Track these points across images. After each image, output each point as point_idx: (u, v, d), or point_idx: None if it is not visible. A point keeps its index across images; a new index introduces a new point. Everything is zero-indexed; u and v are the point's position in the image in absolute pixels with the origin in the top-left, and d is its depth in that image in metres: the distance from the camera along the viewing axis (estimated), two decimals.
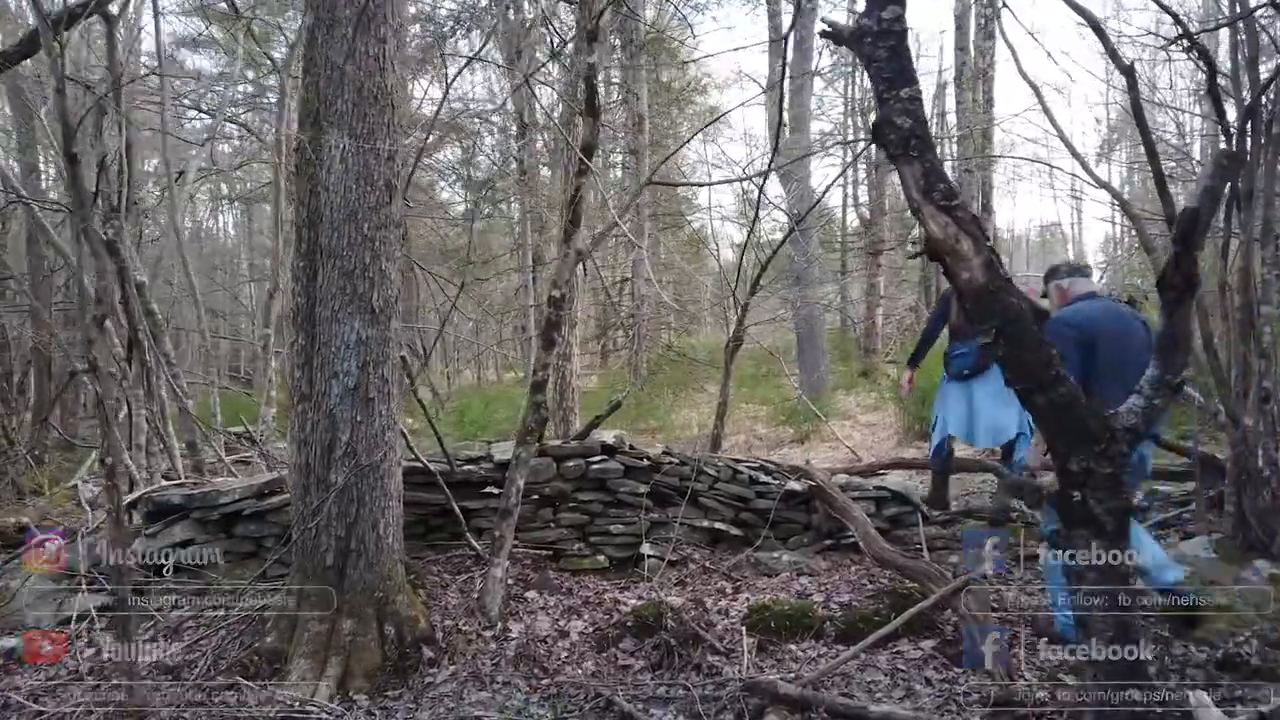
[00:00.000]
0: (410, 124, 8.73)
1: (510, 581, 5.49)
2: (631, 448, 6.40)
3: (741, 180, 11.86)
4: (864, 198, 27.70)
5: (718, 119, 19.29)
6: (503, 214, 22.13)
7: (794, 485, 6.02)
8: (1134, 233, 11.21)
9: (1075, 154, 8.79)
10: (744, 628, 4.61)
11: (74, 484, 8.99)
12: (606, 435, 6.29)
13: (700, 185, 18.92)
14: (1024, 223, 60.89)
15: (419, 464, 5.91)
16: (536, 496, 6.00)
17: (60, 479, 10.64)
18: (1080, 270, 4.40)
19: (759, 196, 8.29)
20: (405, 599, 4.79)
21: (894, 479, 6.55)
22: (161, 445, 8.11)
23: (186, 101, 16.52)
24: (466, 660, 4.56)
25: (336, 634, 4.52)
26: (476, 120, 18.00)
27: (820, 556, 5.90)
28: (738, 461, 6.76)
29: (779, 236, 14.72)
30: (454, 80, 19.02)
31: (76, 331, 10.56)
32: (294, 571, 4.85)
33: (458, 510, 5.67)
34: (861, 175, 28.40)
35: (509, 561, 5.59)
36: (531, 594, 5.39)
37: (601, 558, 5.88)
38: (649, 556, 5.81)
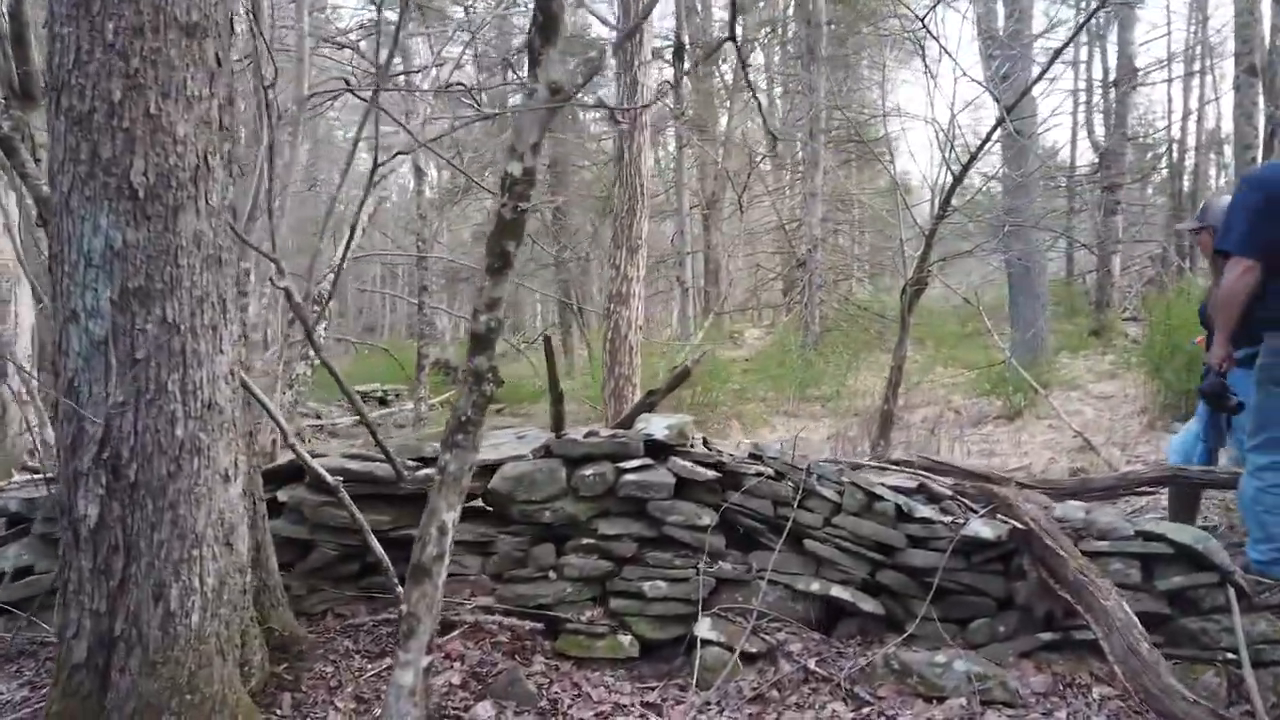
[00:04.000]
0: None
1: (455, 682, 3.15)
2: (706, 444, 3.88)
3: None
4: (1099, 127, 23.31)
5: None
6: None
7: (981, 529, 3.28)
8: None
9: None
10: None
11: None
12: (656, 425, 3.79)
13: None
14: None
15: (352, 467, 3.67)
16: (526, 525, 3.62)
17: None
18: None
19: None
20: None
21: (1183, 526, 3.56)
22: None
23: None
24: None
25: None
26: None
27: (1031, 664, 3.17)
28: (892, 469, 4.08)
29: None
30: None
31: None
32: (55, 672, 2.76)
33: (376, 549, 3.36)
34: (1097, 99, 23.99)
35: (460, 643, 3.26)
36: (484, 709, 3.03)
37: (627, 639, 3.40)
38: (707, 643, 3.30)
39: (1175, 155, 23.92)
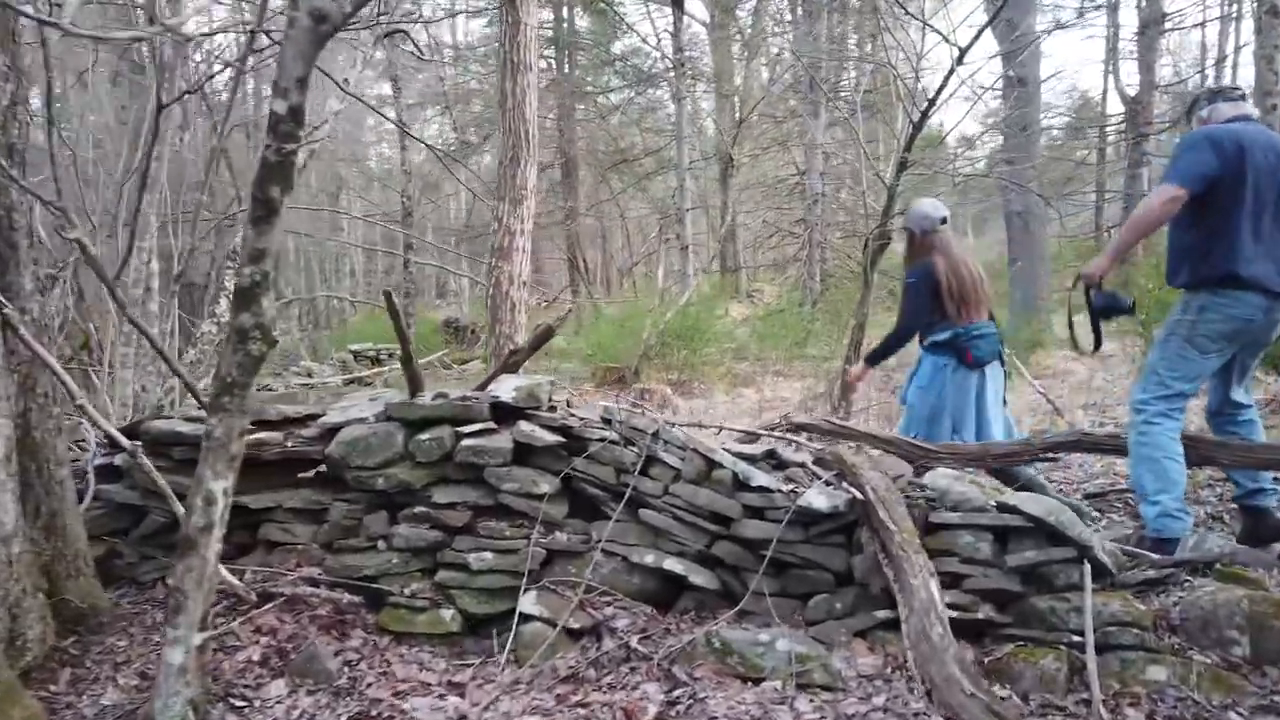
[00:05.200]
0: None
1: (255, 659, 3.00)
2: (554, 408, 3.66)
3: None
4: (1129, 76, 22.34)
5: None
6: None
7: (815, 499, 3.04)
8: None
9: None
10: None
11: None
12: (505, 387, 3.58)
13: None
14: None
15: (183, 430, 3.52)
16: (362, 493, 3.45)
17: None
18: (1221, 93, 3.60)
19: None
20: None
21: (1037, 497, 3.26)
22: None
23: None
24: None
25: None
26: None
27: (865, 643, 2.94)
28: (766, 435, 3.85)
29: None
30: None
31: None
32: None
33: (179, 512, 3.20)
34: (1127, 45, 22.97)
35: (275, 616, 3.11)
36: (276, 687, 2.89)
37: (449, 613, 3.23)
38: (529, 618, 3.12)
39: None
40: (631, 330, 12.71)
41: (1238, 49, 22.09)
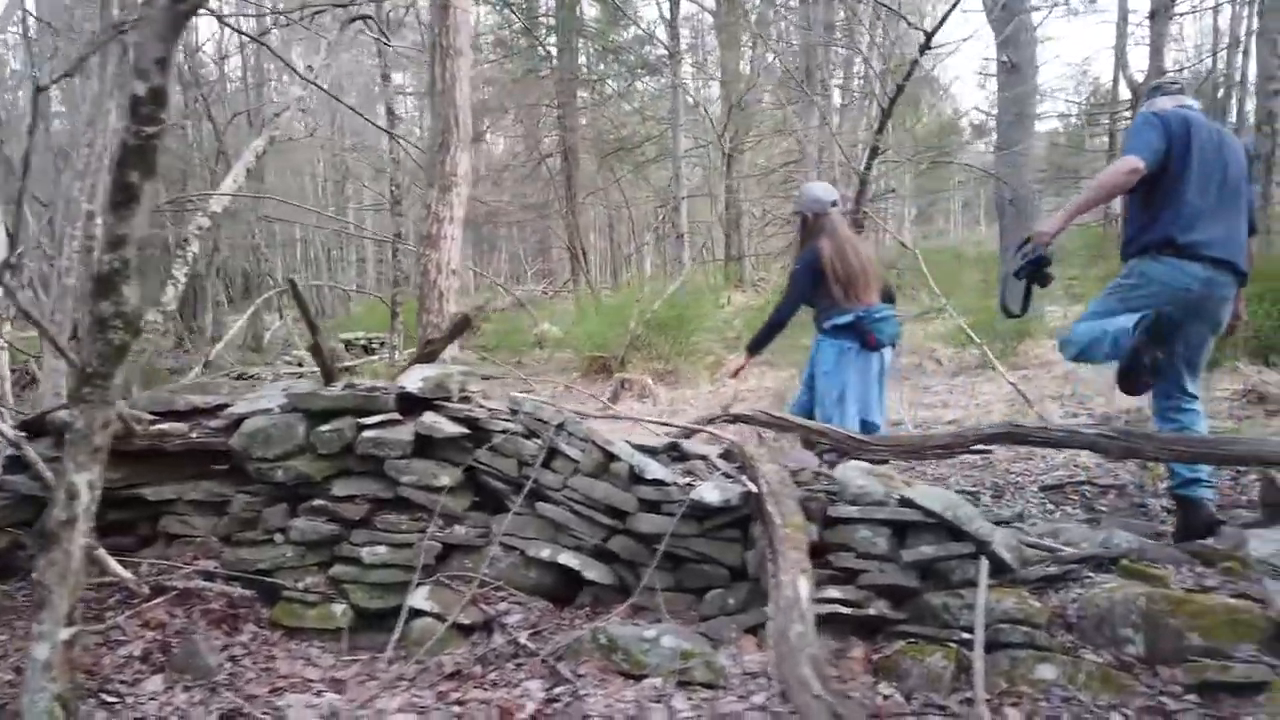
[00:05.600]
0: None
1: (136, 654, 2.96)
2: (467, 398, 3.59)
3: None
4: (1139, 63, 22.03)
5: None
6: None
7: (707, 493, 2.95)
8: None
9: None
10: None
11: None
12: (413, 377, 3.51)
13: None
14: None
15: None
16: (264, 485, 3.39)
17: None
18: (1160, 88, 3.76)
19: None
20: None
21: (937, 492, 3.13)
22: None
23: None
24: None
25: None
26: None
27: (754, 640, 2.86)
28: (698, 428, 3.77)
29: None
30: None
31: None
32: None
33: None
34: (1138, 30, 22.61)
35: (165, 610, 3.07)
36: (154, 683, 2.84)
37: (340, 608, 3.17)
38: (420, 613, 3.06)
39: (1221, 90, 22.56)
40: (622, 320, 12.63)
41: (1249, 34, 21.69)
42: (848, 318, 4.25)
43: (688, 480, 3.04)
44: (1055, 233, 3.65)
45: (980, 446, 3.96)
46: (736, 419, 4.43)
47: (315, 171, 28.41)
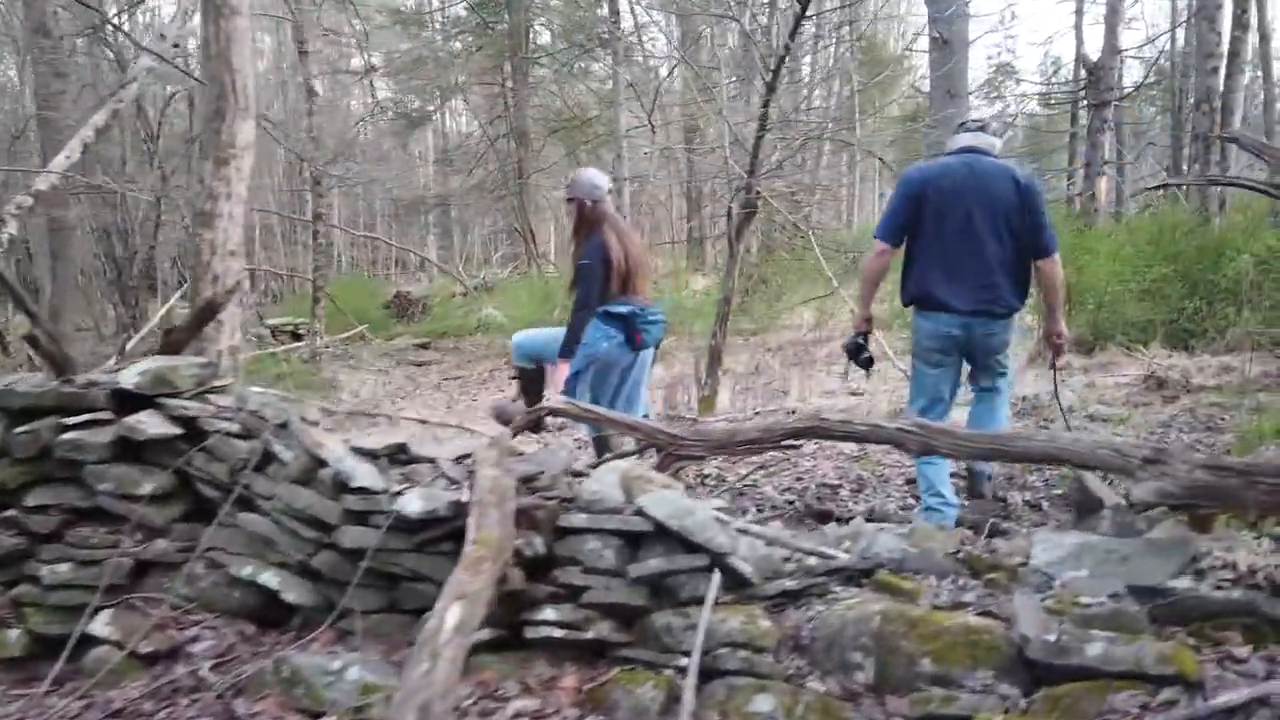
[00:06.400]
0: None
1: None
2: (207, 394, 3.22)
3: None
4: (1092, 40, 21.68)
5: None
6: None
7: (410, 503, 2.59)
8: None
9: None
10: None
11: None
12: (128, 372, 3.14)
13: None
14: None
15: None
16: None
17: None
18: (964, 125, 4.02)
19: None
20: None
21: (666, 497, 2.72)
22: None
23: None
24: None
25: None
26: None
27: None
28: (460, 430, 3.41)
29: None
30: None
31: None
32: None
33: None
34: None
35: None
36: None
37: (15, 634, 2.81)
38: (98, 640, 2.70)
39: (1177, 70, 22.25)
40: (565, 304, 12.27)
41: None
42: (623, 309, 4.19)
43: (401, 488, 2.68)
44: (864, 319, 4.15)
45: (789, 442, 3.66)
46: (553, 412, 4.12)
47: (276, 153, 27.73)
